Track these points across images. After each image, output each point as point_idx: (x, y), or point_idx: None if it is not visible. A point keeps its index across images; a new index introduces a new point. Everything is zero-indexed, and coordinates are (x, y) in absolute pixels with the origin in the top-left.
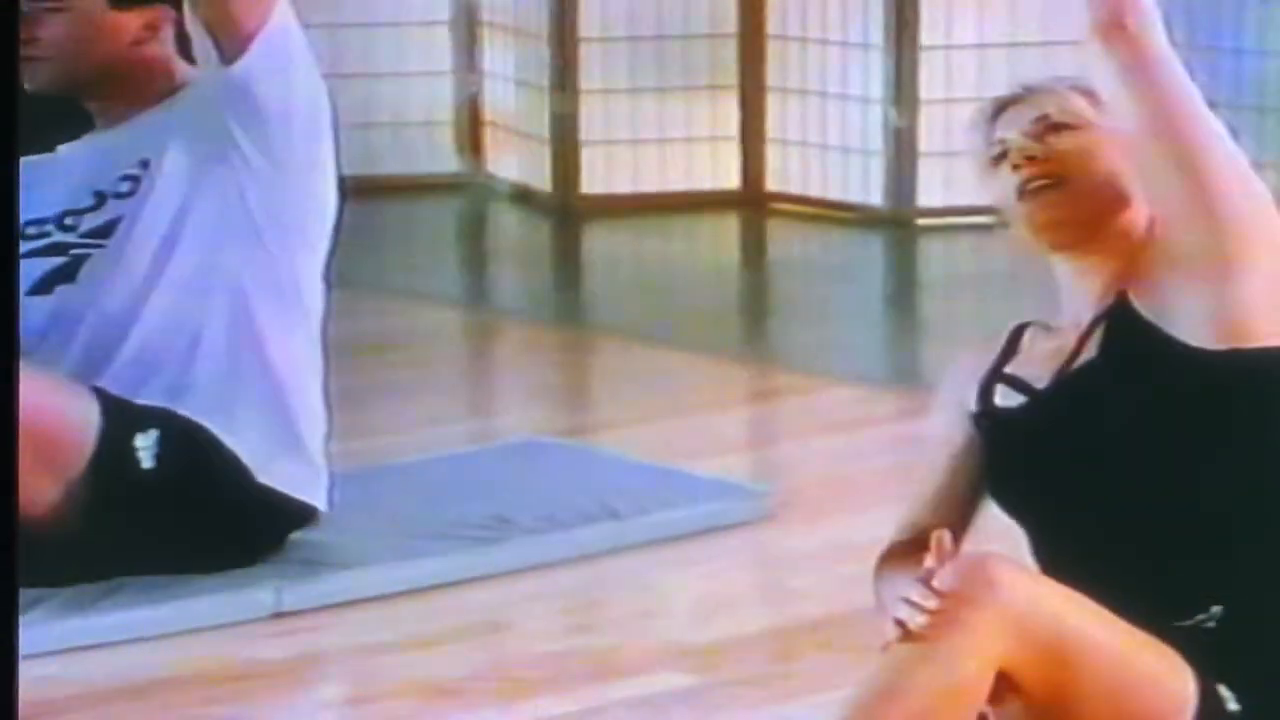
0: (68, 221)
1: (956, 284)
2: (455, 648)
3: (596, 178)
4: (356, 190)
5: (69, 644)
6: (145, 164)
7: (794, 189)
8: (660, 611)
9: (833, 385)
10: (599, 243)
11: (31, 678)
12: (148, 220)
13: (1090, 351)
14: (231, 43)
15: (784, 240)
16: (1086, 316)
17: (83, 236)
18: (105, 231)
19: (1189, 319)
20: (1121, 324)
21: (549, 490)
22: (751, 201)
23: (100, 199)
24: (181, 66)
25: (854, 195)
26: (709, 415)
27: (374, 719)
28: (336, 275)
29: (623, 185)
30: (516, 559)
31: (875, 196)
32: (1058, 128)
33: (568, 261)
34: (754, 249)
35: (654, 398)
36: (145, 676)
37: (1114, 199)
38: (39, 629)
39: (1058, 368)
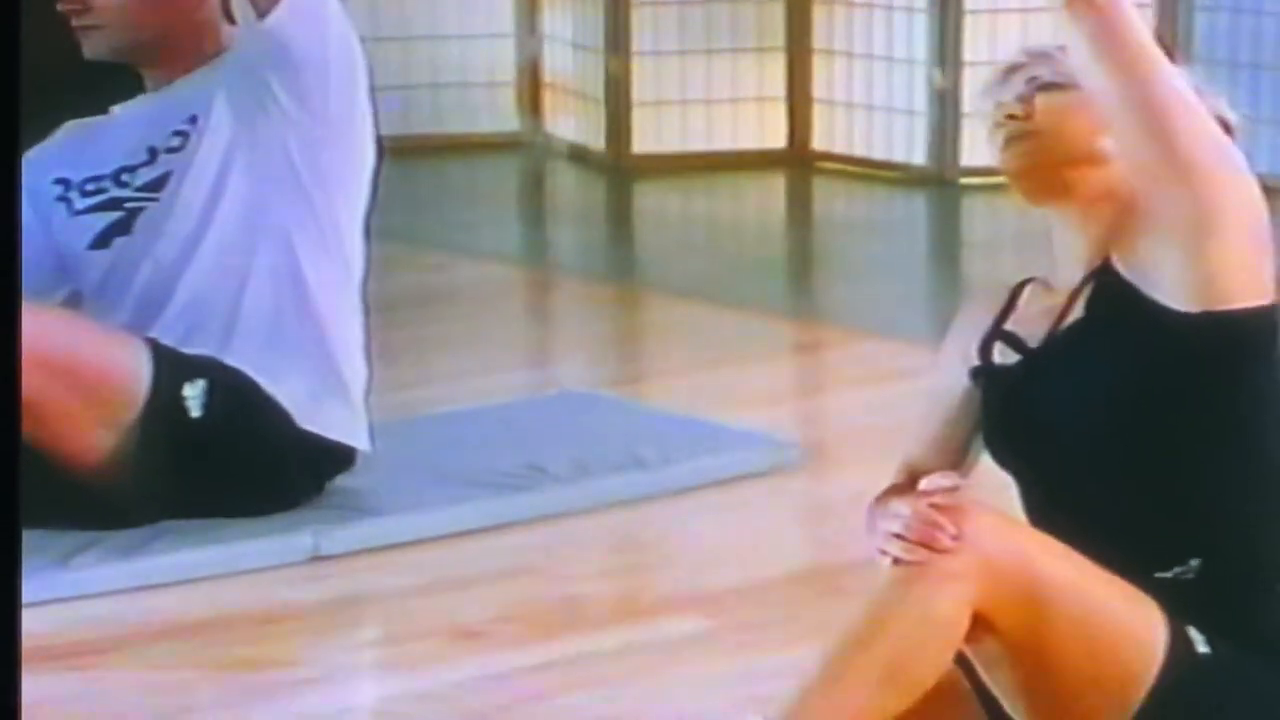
0: (123, 178)
1: (997, 242)
2: (483, 591)
3: (648, 137)
4: (422, 148)
5: (116, 586)
6: (193, 120)
7: (839, 148)
8: (682, 558)
9: (873, 340)
10: (649, 200)
11: (80, 618)
12: (196, 173)
13: (1077, 311)
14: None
15: (829, 198)
16: (1077, 277)
17: (137, 191)
18: (157, 185)
19: (1166, 281)
20: (1105, 285)
21: (583, 440)
22: (797, 160)
23: (153, 154)
24: (225, 28)
25: (898, 155)
26: (750, 368)
27: (404, 659)
28: (399, 230)
29: (673, 144)
30: (547, 506)
31: (919, 156)
32: (1047, 88)
33: (619, 218)
34: (799, 207)
35: (698, 351)
36: (188, 618)
37: (1082, 153)
38: (89, 572)
39: (1050, 326)
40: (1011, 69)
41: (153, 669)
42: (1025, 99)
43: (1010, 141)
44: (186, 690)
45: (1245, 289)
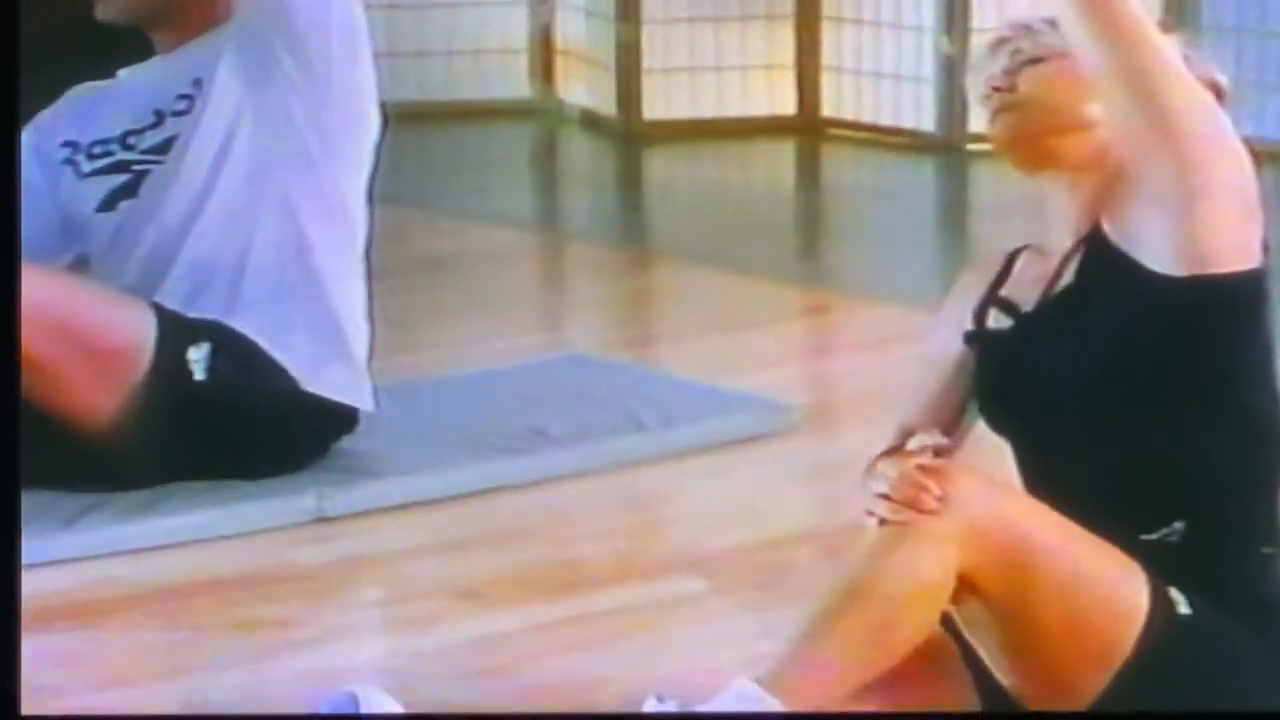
0: (130, 141)
1: (1005, 208)
2: (484, 552)
3: (658, 104)
4: (436, 115)
5: (121, 548)
6: (199, 83)
7: (848, 115)
8: (680, 520)
9: (880, 305)
10: (660, 167)
11: (86, 579)
12: (202, 136)
13: (1068, 277)
14: None
15: (837, 164)
16: (1067, 243)
17: (143, 153)
18: (163, 148)
19: (1155, 247)
20: (1095, 251)
21: (585, 404)
22: (806, 127)
23: (159, 118)
24: None
25: (906, 121)
26: (756, 332)
27: (406, 620)
28: (413, 196)
29: (684, 111)
30: (548, 469)
31: (927, 122)
32: (1032, 61)
33: (629, 185)
34: (808, 173)
35: (705, 315)
36: (192, 579)
37: (1069, 122)
38: (94, 534)
39: (1042, 291)
40: (997, 43)
41: (158, 629)
42: (1010, 72)
43: (997, 114)
44: (191, 650)
45: (1233, 253)
